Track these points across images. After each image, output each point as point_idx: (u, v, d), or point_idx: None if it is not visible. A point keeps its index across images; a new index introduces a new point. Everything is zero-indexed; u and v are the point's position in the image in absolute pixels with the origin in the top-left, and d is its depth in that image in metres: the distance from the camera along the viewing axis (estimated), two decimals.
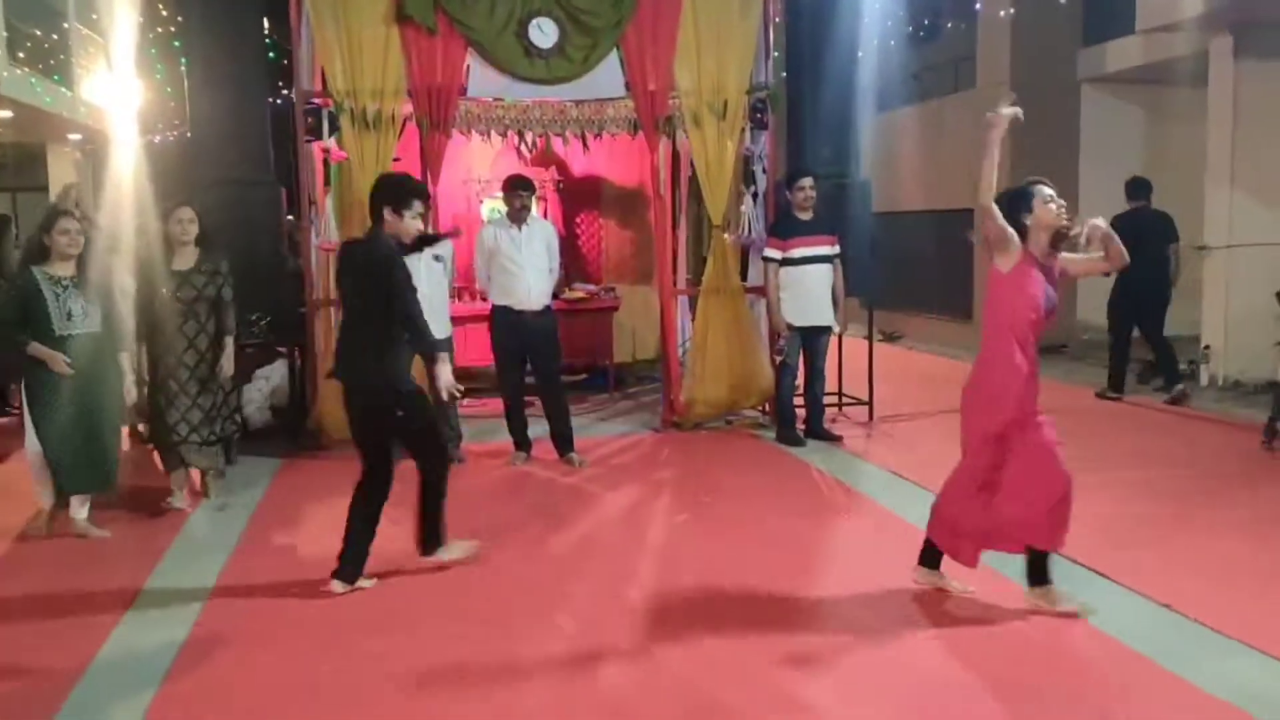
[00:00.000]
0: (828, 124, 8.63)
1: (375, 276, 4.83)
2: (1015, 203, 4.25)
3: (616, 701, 3.76)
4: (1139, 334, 9.34)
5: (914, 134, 13.88)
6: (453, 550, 5.17)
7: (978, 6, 12.49)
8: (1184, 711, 3.60)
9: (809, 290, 7.70)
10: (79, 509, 5.81)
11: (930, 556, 4.66)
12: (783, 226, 7.85)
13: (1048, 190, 4.22)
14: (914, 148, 13.82)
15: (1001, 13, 12.12)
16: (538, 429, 7.48)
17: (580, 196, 10.99)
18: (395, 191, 4.99)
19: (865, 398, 8.82)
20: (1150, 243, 8.56)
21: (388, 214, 4.93)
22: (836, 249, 7.84)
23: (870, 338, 9.03)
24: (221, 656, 4.19)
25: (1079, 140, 12.71)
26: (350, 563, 4.87)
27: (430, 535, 5.11)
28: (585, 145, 9.09)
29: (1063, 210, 4.22)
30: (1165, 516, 5.84)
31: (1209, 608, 4.39)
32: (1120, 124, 12.62)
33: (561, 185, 10.75)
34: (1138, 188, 9.26)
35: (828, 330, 7.89)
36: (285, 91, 8.32)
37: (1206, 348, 9.92)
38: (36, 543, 5.73)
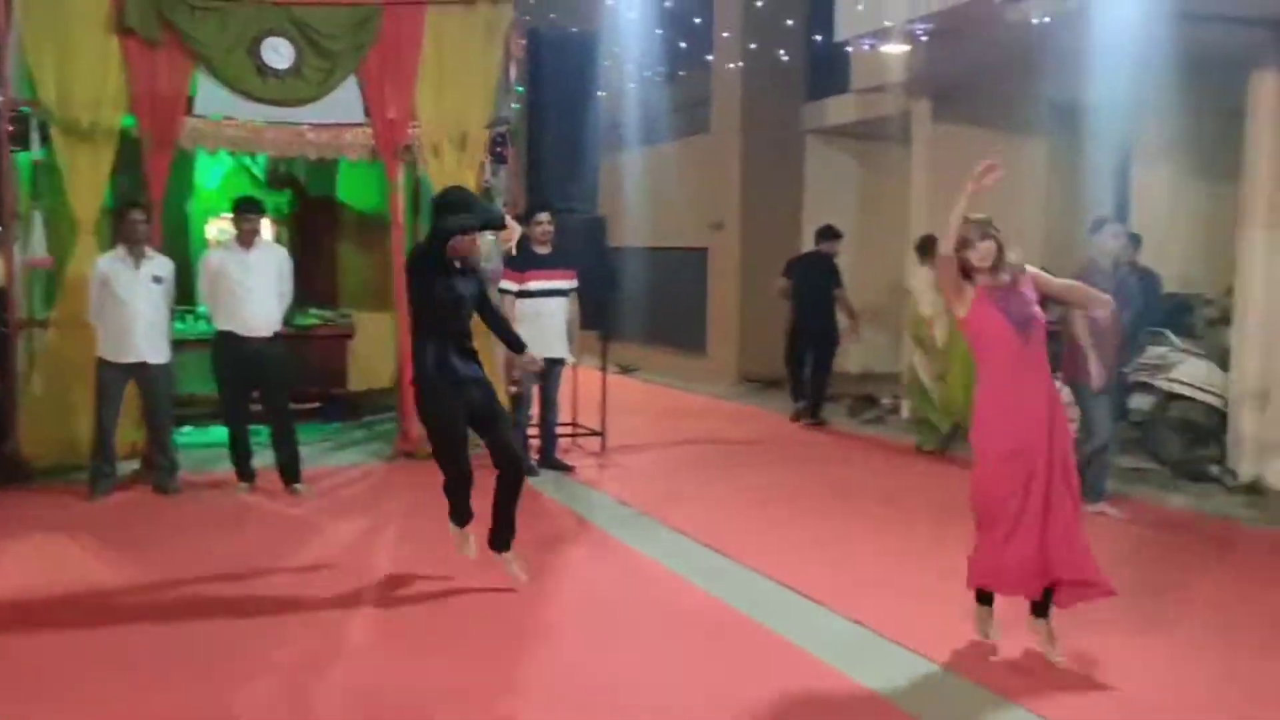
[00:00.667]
0: (566, 160, 8.82)
1: None
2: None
3: None
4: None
5: (652, 173, 14.40)
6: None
7: (709, 57, 13.17)
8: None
9: (545, 322, 7.85)
10: None
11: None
12: (520, 259, 7.98)
13: (974, 236, 4.34)
14: (652, 186, 14.33)
15: (730, 65, 12.82)
16: (263, 458, 7.27)
17: (317, 220, 10.73)
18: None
19: (599, 428, 9.07)
20: (817, 283, 10.16)
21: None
22: (574, 283, 8.05)
23: (604, 369, 9.29)
24: None
25: (804, 185, 13.57)
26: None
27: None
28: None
29: (988, 254, 4.33)
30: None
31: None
32: (839, 173, 13.57)
33: (298, 209, 10.47)
34: (823, 234, 10.48)
35: (561, 362, 8.08)
36: None
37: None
38: None
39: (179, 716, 3.88)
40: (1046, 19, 7.05)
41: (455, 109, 8.29)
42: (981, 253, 4.31)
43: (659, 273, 14.82)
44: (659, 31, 12.71)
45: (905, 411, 10.72)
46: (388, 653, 4.52)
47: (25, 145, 7.46)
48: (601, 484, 7.88)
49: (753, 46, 12.10)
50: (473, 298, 5.19)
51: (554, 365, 8.01)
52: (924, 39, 8.27)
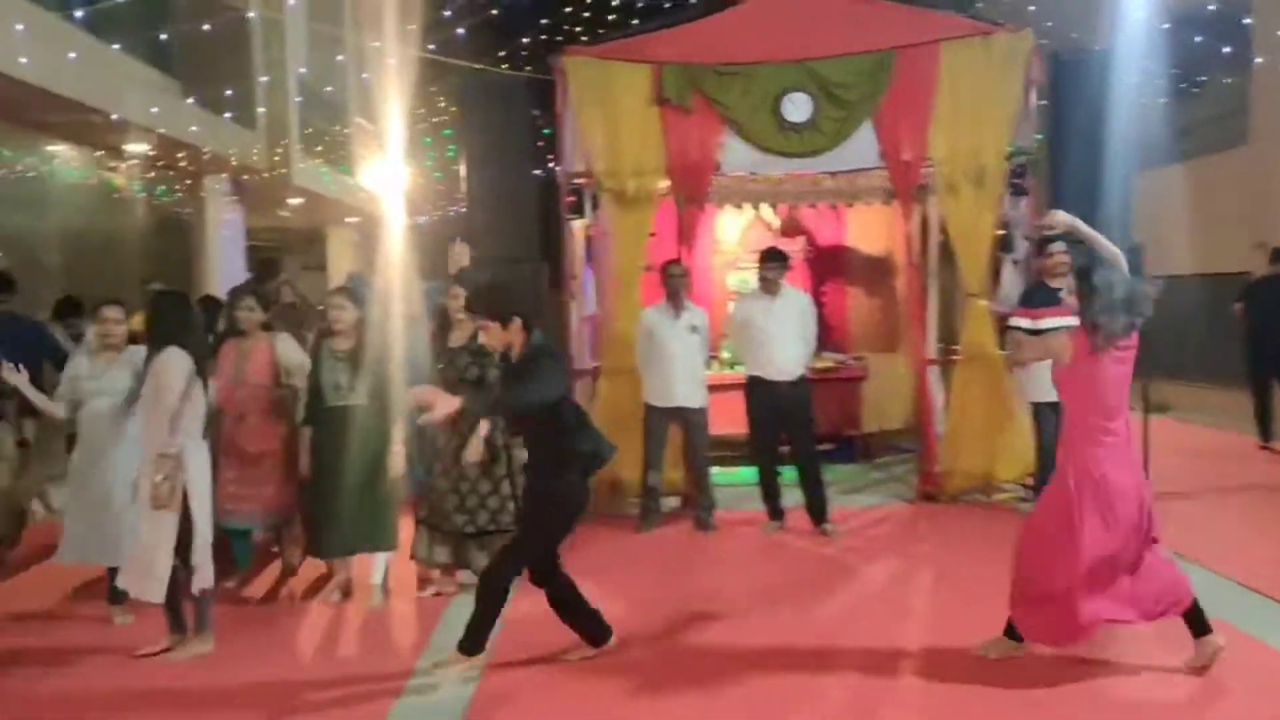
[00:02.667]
0: (1091, 186, 8.28)
1: None
2: None
3: None
4: None
5: (1192, 192, 13.13)
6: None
7: (1257, 60, 11.74)
8: None
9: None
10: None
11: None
12: (1034, 296, 7.56)
13: None
14: (1191, 206, 13.06)
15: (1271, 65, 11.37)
16: (791, 498, 7.48)
17: (827, 265, 10.99)
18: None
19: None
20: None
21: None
22: None
23: (1146, 411, 8.50)
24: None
25: None
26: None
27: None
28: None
29: None
30: None
31: None
32: None
33: (810, 255, 10.77)
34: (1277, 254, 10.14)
35: None
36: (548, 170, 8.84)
37: None
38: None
39: None
40: None
41: (971, 144, 8.08)
42: None
43: (1193, 302, 13.42)
44: (1195, 39, 11.62)
45: None
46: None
47: (580, 213, 8.38)
48: None
49: None
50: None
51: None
52: None
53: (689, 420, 7.53)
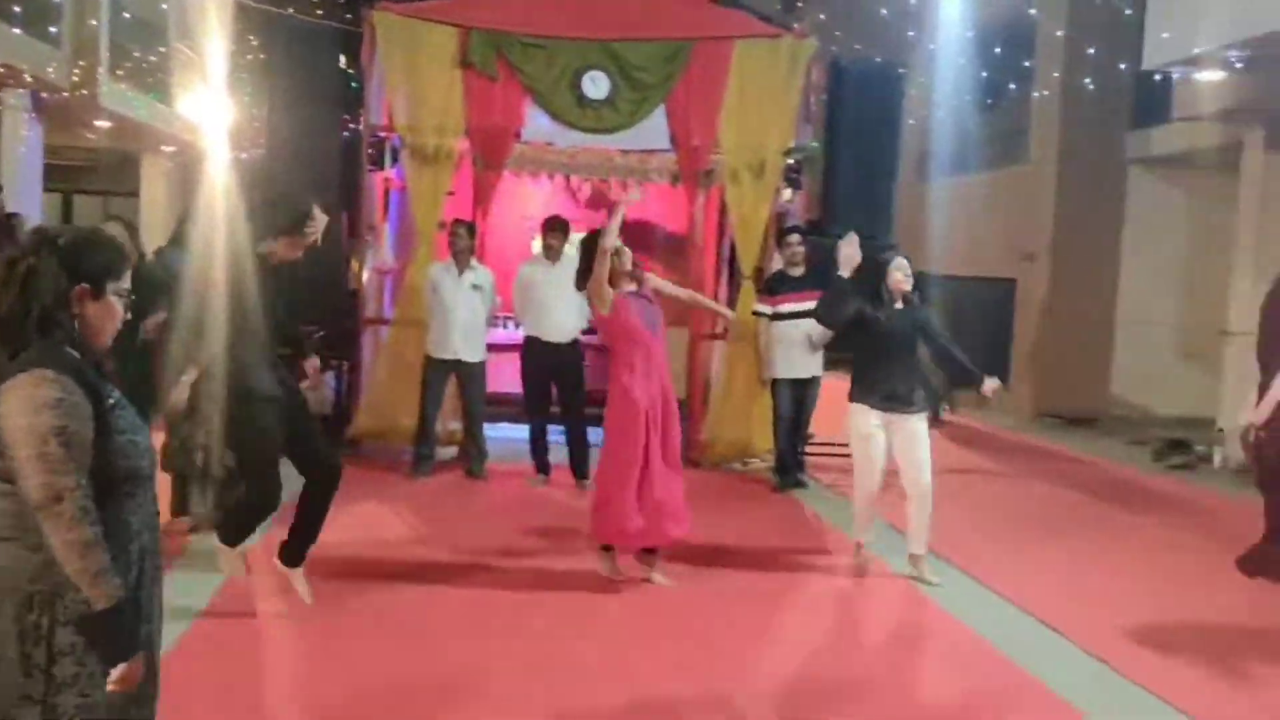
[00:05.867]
0: (861, 188, 8.98)
1: None
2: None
3: None
4: None
5: (962, 202, 14.20)
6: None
7: (1029, 88, 12.80)
8: None
9: (799, 343, 8.01)
10: None
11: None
12: (774, 283, 8.22)
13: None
14: (961, 215, 14.13)
15: (1049, 93, 12.45)
16: (560, 455, 7.93)
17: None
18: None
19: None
20: None
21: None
22: None
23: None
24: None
25: (1124, 217, 12.95)
26: None
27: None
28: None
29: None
30: None
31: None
32: (1164, 205, 12.84)
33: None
34: None
35: (814, 381, 8.15)
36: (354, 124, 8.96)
37: (1220, 430, 10.10)
38: None
39: (432, 670, 4.49)
40: None
41: (755, 137, 8.67)
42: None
43: (964, 302, 14.55)
44: (977, 62, 12.58)
45: (1218, 460, 10.03)
46: (633, 630, 4.97)
47: (380, 166, 8.60)
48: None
49: (1072, 75, 11.72)
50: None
51: (807, 385, 8.13)
52: (1240, 66, 7.77)
53: (466, 373, 7.88)
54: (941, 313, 13.90)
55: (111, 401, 2.32)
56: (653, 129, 8.77)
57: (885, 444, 5.83)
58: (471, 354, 7.84)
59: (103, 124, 13.73)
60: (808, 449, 8.67)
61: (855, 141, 9.10)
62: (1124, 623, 5.30)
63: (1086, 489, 8.86)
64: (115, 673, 2.22)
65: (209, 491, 5.97)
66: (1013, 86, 13.16)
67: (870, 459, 5.84)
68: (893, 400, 5.77)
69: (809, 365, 8.06)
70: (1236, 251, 10.15)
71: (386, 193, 8.98)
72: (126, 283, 2.41)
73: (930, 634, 5.37)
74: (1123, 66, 9.76)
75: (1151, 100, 11.76)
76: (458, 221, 7.95)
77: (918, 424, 5.82)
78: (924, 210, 13.78)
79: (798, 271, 8.06)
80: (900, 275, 5.76)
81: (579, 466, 7.81)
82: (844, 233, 8.22)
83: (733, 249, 10.24)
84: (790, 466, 8.22)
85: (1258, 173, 9.89)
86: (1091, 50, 10.42)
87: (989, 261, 14.15)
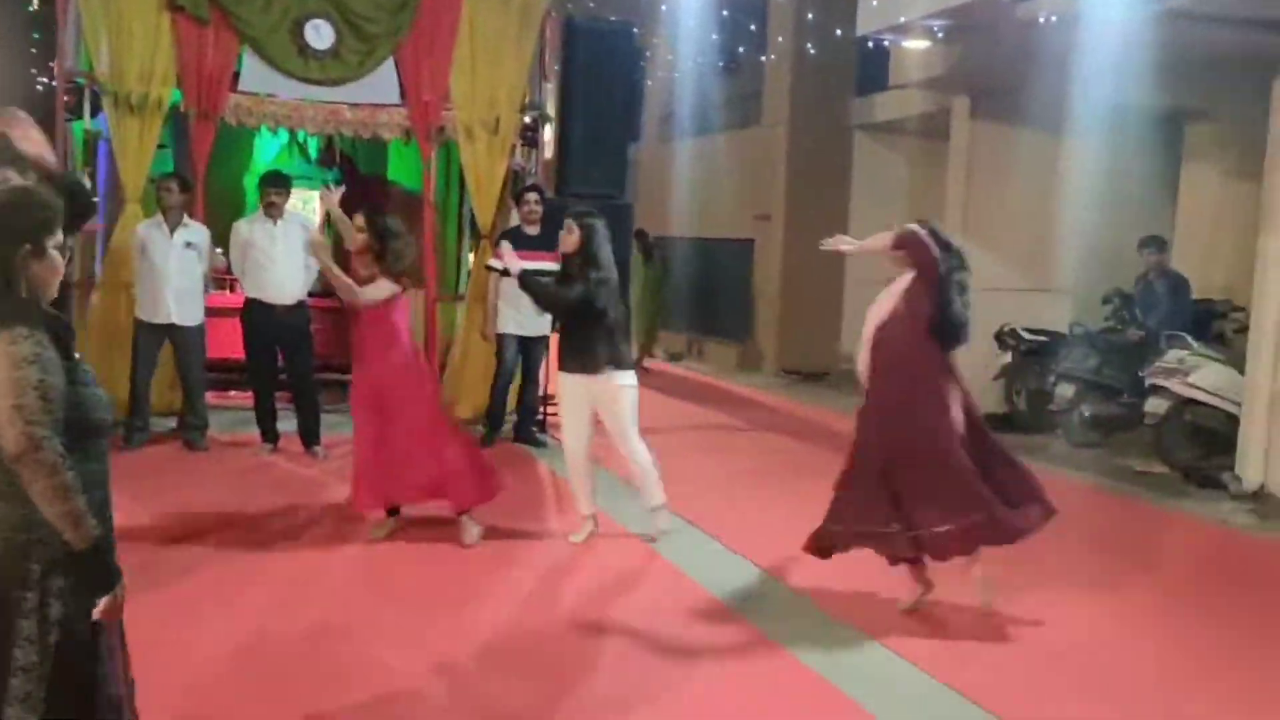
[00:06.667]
0: (594, 147, 8.95)
1: None
2: None
3: None
4: None
5: (701, 164, 14.54)
6: None
7: (762, 52, 13.22)
8: None
9: (528, 302, 7.96)
10: None
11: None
12: (509, 238, 8.13)
13: None
14: (700, 177, 14.47)
15: (779, 58, 12.89)
16: (287, 423, 7.60)
17: (367, 198, 11.04)
18: None
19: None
20: None
21: None
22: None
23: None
24: None
25: (851, 180, 13.61)
26: None
27: None
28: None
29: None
30: None
31: None
32: (887, 169, 13.57)
33: (339, 184, 10.78)
34: None
35: (544, 340, 8.08)
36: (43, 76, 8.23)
37: None
38: None
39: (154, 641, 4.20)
40: (1054, 18, 7.05)
41: (489, 94, 8.54)
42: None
43: (707, 263, 14.97)
44: (714, 25, 12.84)
45: None
46: (347, 596, 4.84)
47: (79, 115, 7.91)
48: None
49: (799, 40, 12.18)
50: None
51: (536, 343, 8.11)
52: (941, 35, 8.28)
53: (181, 338, 7.41)
54: (688, 274, 14.47)
55: (78, 356, 2.45)
56: (383, 82, 8.48)
57: (586, 408, 5.79)
58: (186, 317, 7.37)
59: None
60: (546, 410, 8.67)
61: (589, 101, 9.05)
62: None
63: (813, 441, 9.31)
64: (101, 604, 2.39)
65: None
66: (744, 51, 13.53)
67: (569, 425, 5.83)
68: (580, 361, 5.71)
69: (538, 324, 7.99)
70: (946, 213, 10.82)
71: (92, 145, 8.27)
72: (60, 237, 2.48)
73: (653, 583, 5.47)
74: (839, 33, 10.19)
75: (873, 68, 12.38)
76: (166, 175, 7.43)
77: (607, 385, 5.69)
78: (669, 170, 14.03)
79: (534, 230, 7.96)
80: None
81: (308, 434, 7.51)
82: (580, 192, 8.38)
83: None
84: (500, 421, 8.22)
85: (964, 140, 10.58)
86: (812, 16, 10.82)
87: (730, 222, 14.57)
